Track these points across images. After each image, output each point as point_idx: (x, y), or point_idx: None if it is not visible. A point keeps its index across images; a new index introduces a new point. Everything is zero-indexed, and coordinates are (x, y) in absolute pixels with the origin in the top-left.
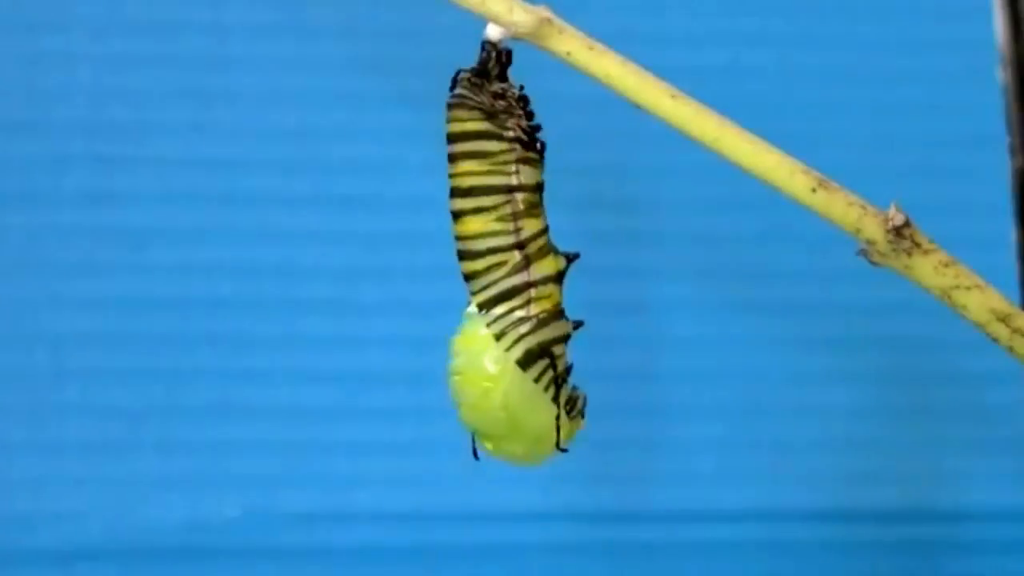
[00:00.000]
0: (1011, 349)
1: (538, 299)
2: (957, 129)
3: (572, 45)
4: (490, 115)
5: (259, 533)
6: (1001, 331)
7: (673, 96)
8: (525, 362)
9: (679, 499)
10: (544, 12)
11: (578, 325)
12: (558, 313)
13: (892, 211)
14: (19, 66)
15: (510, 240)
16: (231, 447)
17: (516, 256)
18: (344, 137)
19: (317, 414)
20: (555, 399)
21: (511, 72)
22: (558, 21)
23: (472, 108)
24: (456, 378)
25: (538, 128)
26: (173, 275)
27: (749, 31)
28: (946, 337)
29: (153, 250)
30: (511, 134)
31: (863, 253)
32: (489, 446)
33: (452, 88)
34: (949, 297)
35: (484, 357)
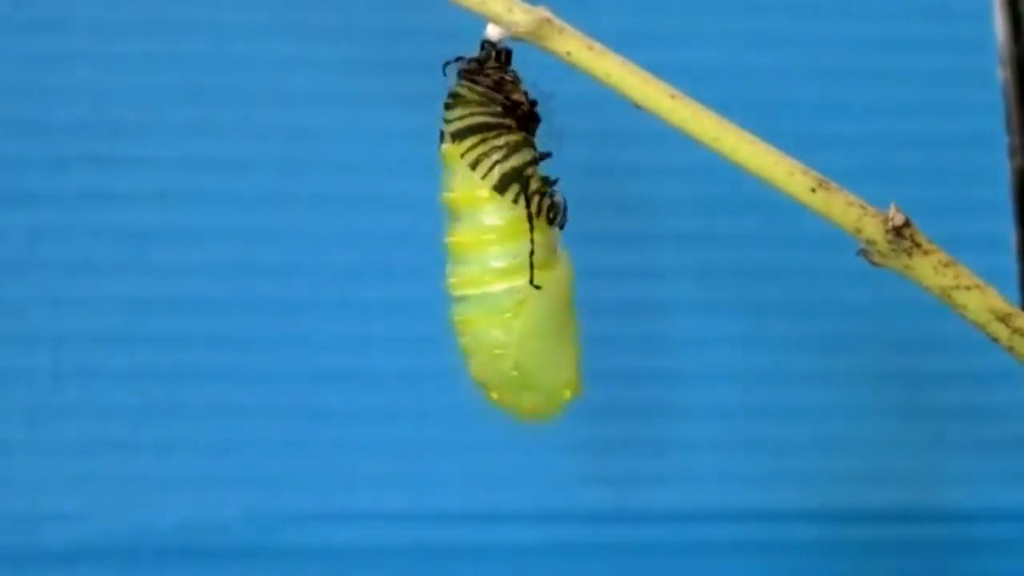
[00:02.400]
0: (1011, 349)
1: (508, 133)
2: (957, 129)
3: (572, 45)
4: (496, 87)
5: (259, 533)
6: (1001, 331)
7: (673, 96)
8: (501, 186)
9: (679, 499)
10: (544, 12)
11: (544, 156)
12: (528, 143)
13: (892, 211)
14: (19, 66)
15: (499, 97)
16: (231, 447)
17: (499, 108)
18: (344, 137)
19: (317, 414)
20: (534, 215)
21: None
22: (558, 21)
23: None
24: (464, 342)
25: (535, 103)
26: (173, 275)
27: (749, 31)
28: (946, 337)
29: (153, 250)
30: (515, 98)
31: (863, 253)
32: (495, 396)
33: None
34: (949, 297)
35: (493, 329)
